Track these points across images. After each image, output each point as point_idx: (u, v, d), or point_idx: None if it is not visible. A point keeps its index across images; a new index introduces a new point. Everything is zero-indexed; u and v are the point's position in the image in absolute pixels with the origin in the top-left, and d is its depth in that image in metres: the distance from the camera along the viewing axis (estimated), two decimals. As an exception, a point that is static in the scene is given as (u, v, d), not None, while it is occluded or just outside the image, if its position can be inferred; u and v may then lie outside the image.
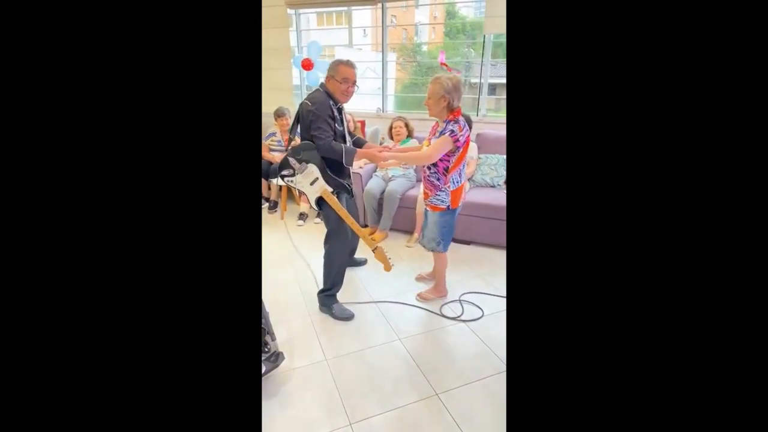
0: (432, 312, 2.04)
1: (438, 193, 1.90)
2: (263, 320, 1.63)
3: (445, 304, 2.10)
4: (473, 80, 3.83)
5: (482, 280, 2.33)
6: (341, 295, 2.06)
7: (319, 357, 1.73)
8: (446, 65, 3.12)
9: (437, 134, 1.84)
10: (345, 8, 3.87)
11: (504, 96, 3.49)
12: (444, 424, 1.39)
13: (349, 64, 1.80)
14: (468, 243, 2.76)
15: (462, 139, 1.78)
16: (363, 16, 7.77)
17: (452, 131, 1.76)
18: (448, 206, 1.91)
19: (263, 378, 1.50)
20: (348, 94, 1.83)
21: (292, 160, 1.76)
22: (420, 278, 2.34)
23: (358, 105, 3.87)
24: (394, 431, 1.37)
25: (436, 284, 2.16)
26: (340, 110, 1.87)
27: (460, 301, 2.13)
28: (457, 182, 1.89)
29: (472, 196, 2.68)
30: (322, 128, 1.75)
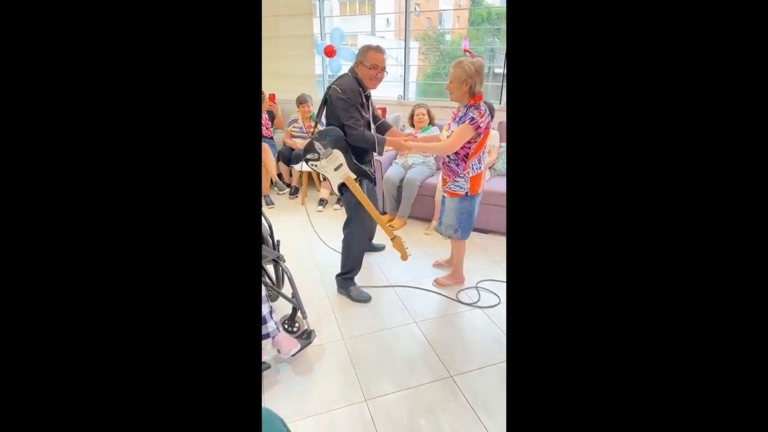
0: (448, 298, 2.06)
1: (457, 179, 1.90)
2: (295, 300, 1.69)
3: (462, 290, 2.11)
4: (497, 70, 3.76)
5: (500, 268, 2.32)
6: (359, 279, 2.10)
7: (336, 336, 1.77)
8: (469, 51, 3.07)
9: (457, 120, 1.83)
10: (368, -5, 3.85)
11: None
12: (457, 405, 1.42)
13: (378, 50, 1.80)
14: (486, 232, 2.75)
15: (483, 126, 1.77)
16: (386, 3, 7.70)
17: (472, 118, 1.75)
18: (467, 192, 1.90)
19: (297, 355, 1.57)
20: (377, 80, 1.83)
21: (317, 145, 1.77)
22: (437, 265, 2.36)
23: (380, 92, 3.86)
24: (408, 409, 1.40)
25: (453, 271, 2.17)
26: (367, 97, 1.87)
27: (477, 287, 2.13)
28: (477, 168, 1.88)
29: (492, 184, 2.66)
30: (354, 117, 1.75)
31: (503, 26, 3.25)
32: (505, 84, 3.28)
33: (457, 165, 1.88)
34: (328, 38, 3.62)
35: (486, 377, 1.54)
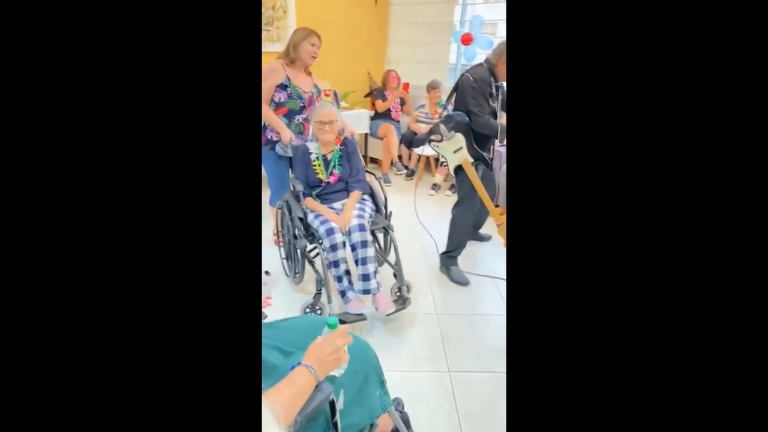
0: (550, 300, 1.98)
1: None
2: (396, 267, 1.86)
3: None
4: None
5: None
6: (462, 264, 2.16)
7: (429, 309, 1.88)
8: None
9: None
10: (517, -19, 3.71)
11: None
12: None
13: None
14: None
15: None
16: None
17: None
18: None
19: (392, 318, 1.73)
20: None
21: (442, 127, 1.87)
22: None
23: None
24: (488, 390, 1.44)
25: None
26: (497, 88, 1.93)
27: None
28: None
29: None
30: (480, 105, 1.85)
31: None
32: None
33: None
34: (467, 26, 3.63)
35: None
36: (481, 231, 2.53)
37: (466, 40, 3.49)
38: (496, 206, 2.93)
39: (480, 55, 3.59)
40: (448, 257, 2.15)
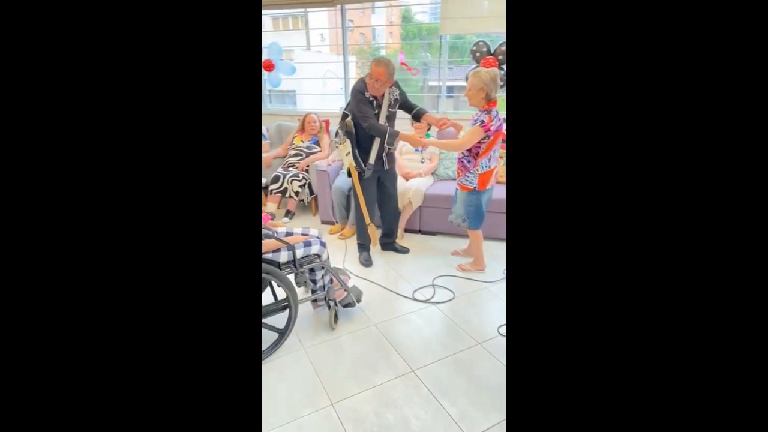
0: (403, 296, 2.14)
1: (467, 174, 2.14)
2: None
3: (417, 289, 2.20)
4: (431, 83, 3.99)
5: (449, 266, 2.45)
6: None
7: (296, 347, 1.77)
8: (406, 64, 3.24)
9: (471, 123, 2.07)
10: (302, 11, 3.90)
11: (460, 96, 3.67)
12: (420, 397, 1.48)
13: (377, 64, 2.10)
14: (434, 234, 2.89)
15: (493, 128, 2.00)
16: (319, 19, 7.80)
17: (482, 121, 1.99)
18: (475, 187, 2.13)
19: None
20: (374, 89, 2.14)
21: (340, 132, 2.26)
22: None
23: (322, 105, 3.93)
24: (374, 406, 1.44)
25: (474, 259, 2.38)
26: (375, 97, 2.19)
27: (433, 285, 2.24)
28: (486, 167, 2.11)
29: (436, 189, 2.81)
30: (363, 111, 2.13)
31: (435, 41, 3.47)
32: (440, 96, 3.49)
33: (469, 162, 2.12)
34: (265, 53, 3.61)
35: (444, 368, 1.63)
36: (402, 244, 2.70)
37: (268, 66, 3.47)
38: (333, 224, 3.01)
39: (284, 80, 3.61)
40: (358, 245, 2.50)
